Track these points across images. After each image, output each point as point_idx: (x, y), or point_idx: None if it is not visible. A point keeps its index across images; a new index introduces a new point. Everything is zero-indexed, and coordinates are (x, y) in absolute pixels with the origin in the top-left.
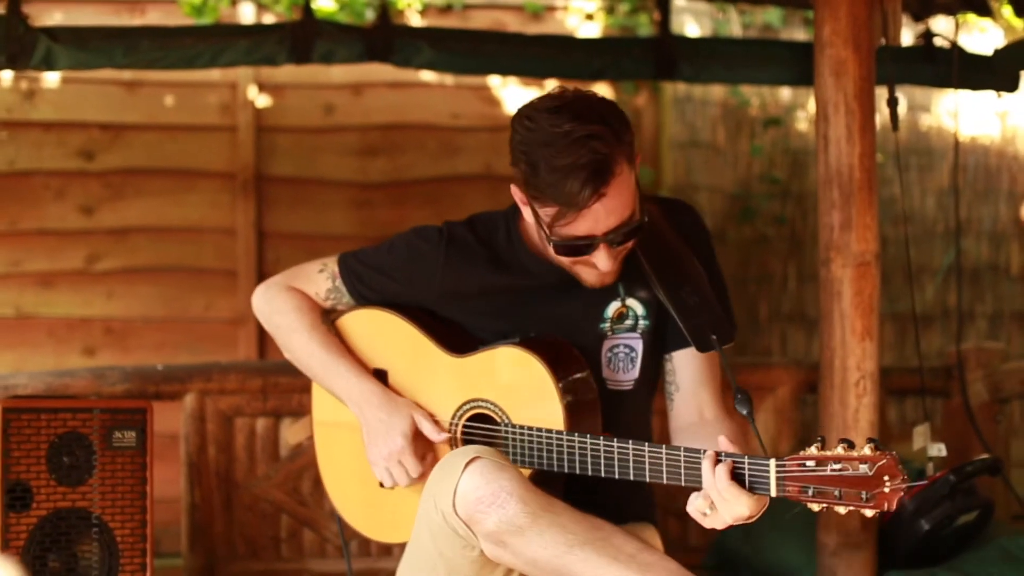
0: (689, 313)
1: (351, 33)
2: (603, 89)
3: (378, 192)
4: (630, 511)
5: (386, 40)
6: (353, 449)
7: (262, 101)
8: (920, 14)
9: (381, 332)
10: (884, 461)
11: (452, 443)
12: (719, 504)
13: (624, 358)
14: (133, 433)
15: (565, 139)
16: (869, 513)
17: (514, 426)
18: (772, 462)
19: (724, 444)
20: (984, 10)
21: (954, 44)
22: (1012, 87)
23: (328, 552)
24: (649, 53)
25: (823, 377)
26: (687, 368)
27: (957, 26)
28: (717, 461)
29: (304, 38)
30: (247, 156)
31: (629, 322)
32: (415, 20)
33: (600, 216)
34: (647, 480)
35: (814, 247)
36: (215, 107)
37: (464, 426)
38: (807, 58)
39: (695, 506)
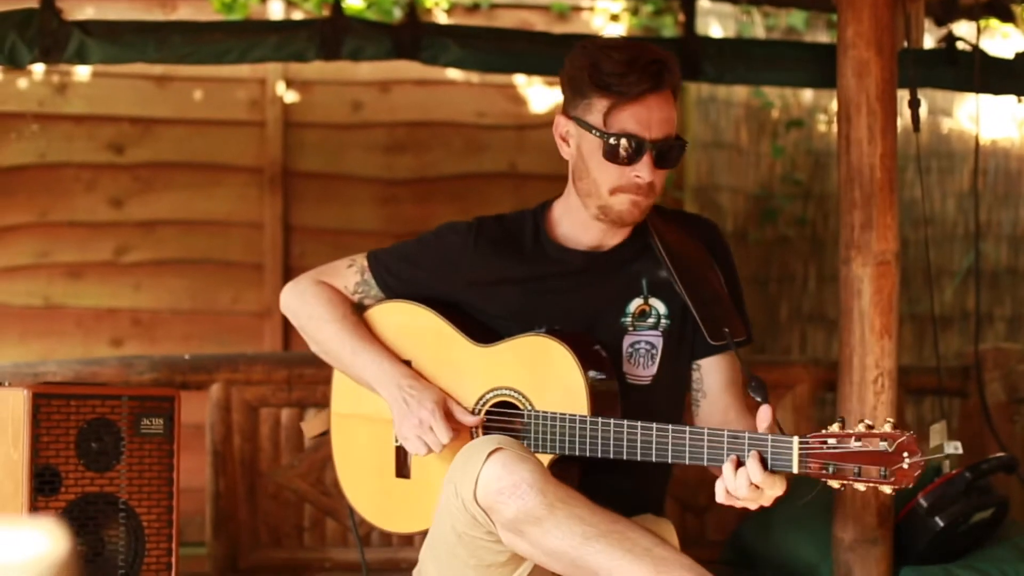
0: (705, 307)
1: (379, 30)
2: None
3: (404, 188)
4: (645, 503)
5: (414, 38)
6: (370, 440)
7: (290, 97)
8: (943, 18)
9: (407, 323)
10: (903, 438)
11: (473, 431)
12: (754, 492)
13: (645, 354)
14: (161, 420)
15: (627, 43)
16: (888, 490)
17: (537, 412)
18: (795, 439)
19: (760, 422)
20: (1006, 15)
21: (976, 48)
22: None
23: (350, 541)
24: (674, 53)
25: (841, 374)
26: (714, 374)
27: (979, 30)
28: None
29: (333, 35)
30: (275, 151)
31: (651, 320)
32: (442, 19)
33: (653, 115)
34: (669, 461)
35: (835, 248)
36: (244, 102)
37: (487, 413)
38: (830, 60)
39: (723, 495)
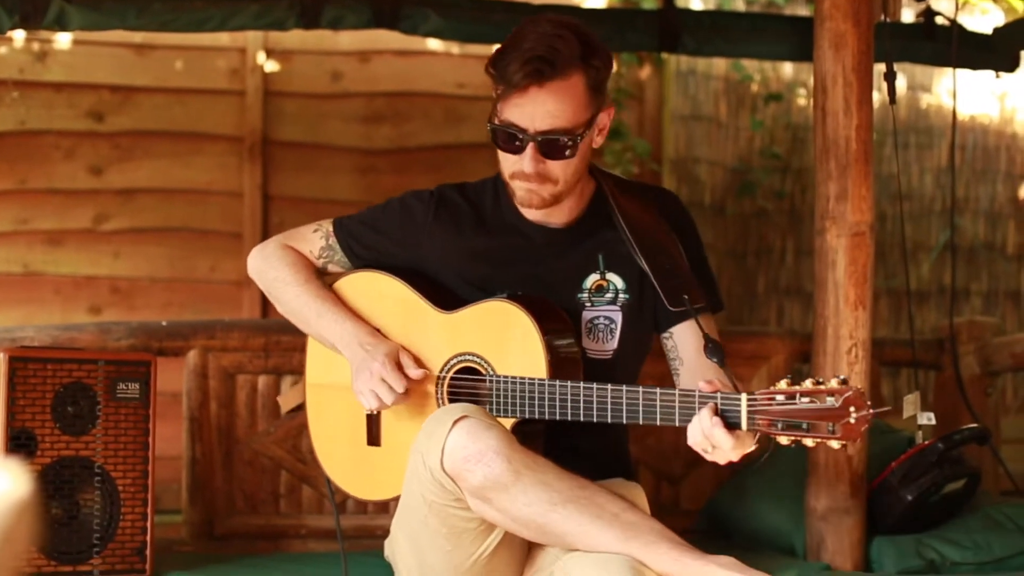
0: (663, 275)
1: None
2: None
3: (383, 159)
4: (611, 468)
5: (393, 7)
6: (343, 409)
7: (270, 66)
8: None
9: (372, 292)
10: (850, 393)
11: (439, 398)
12: (720, 447)
13: (604, 329)
14: (137, 385)
15: (534, 31)
16: (835, 445)
17: (498, 377)
18: (743, 396)
19: (702, 387)
20: None
21: (954, 22)
22: (1011, 67)
23: (326, 508)
24: (653, 25)
25: (816, 345)
26: (687, 342)
27: (958, 5)
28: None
29: (313, 4)
30: (255, 120)
31: (609, 295)
32: None
33: (536, 109)
34: (624, 421)
35: (812, 222)
36: (224, 71)
37: (451, 379)
38: (809, 33)
39: (695, 442)
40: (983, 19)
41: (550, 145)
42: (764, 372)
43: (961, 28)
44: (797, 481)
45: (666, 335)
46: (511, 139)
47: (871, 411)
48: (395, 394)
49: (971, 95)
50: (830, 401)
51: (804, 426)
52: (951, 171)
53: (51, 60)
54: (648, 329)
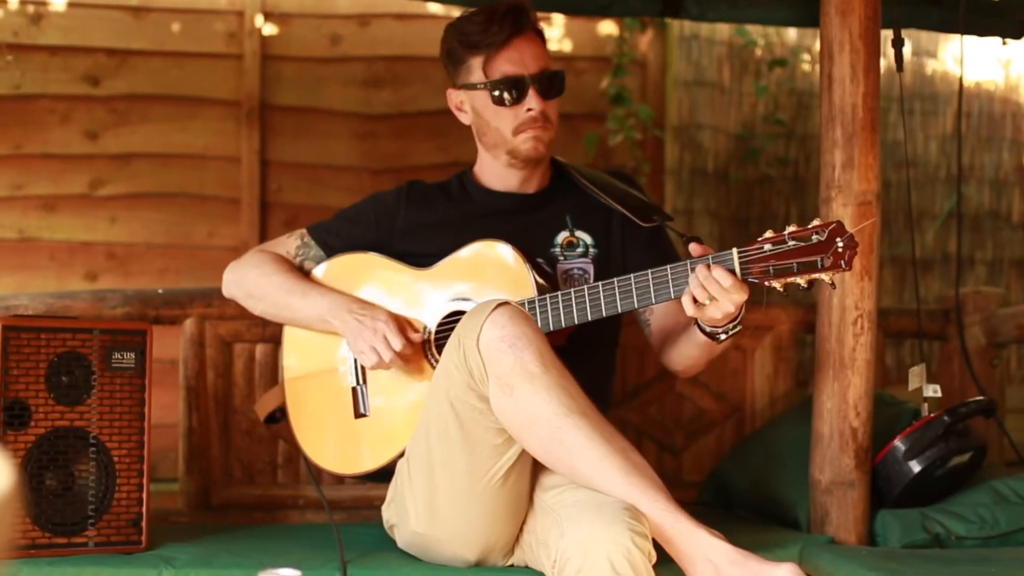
0: (632, 206)
1: None
2: (609, 26)
3: (382, 124)
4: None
5: None
6: (324, 392)
7: (268, 30)
8: None
9: (352, 270)
10: (834, 225)
11: (425, 344)
12: (717, 294)
13: (579, 279)
14: (132, 355)
15: (481, 6)
16: (826, 278)
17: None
18: (734, 250)
19: (694, 250)
20: None
21: None
22: (1018, 34)
23: (325, 478)
24: None
25: (820, 315)
26: None
27: None
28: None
29: None
30: (252, 84)
31: (580, 250)
32: None
33: (524, 55)
34: (619, 310)
35: (816, 189)
36: (221, 35)
37: (438, 324)
38: None
39: (692, 308)
40: None
41: (548, 81)
42: (768, 342)
43: None
44: (801, 453)
45: None
46: (512, 86)
47: (854, 231)
48: (393, 352)
49: (977, 62)
50: (815, 238)
51: (795, 267)
52: (957, 138)
53: (46, 23)
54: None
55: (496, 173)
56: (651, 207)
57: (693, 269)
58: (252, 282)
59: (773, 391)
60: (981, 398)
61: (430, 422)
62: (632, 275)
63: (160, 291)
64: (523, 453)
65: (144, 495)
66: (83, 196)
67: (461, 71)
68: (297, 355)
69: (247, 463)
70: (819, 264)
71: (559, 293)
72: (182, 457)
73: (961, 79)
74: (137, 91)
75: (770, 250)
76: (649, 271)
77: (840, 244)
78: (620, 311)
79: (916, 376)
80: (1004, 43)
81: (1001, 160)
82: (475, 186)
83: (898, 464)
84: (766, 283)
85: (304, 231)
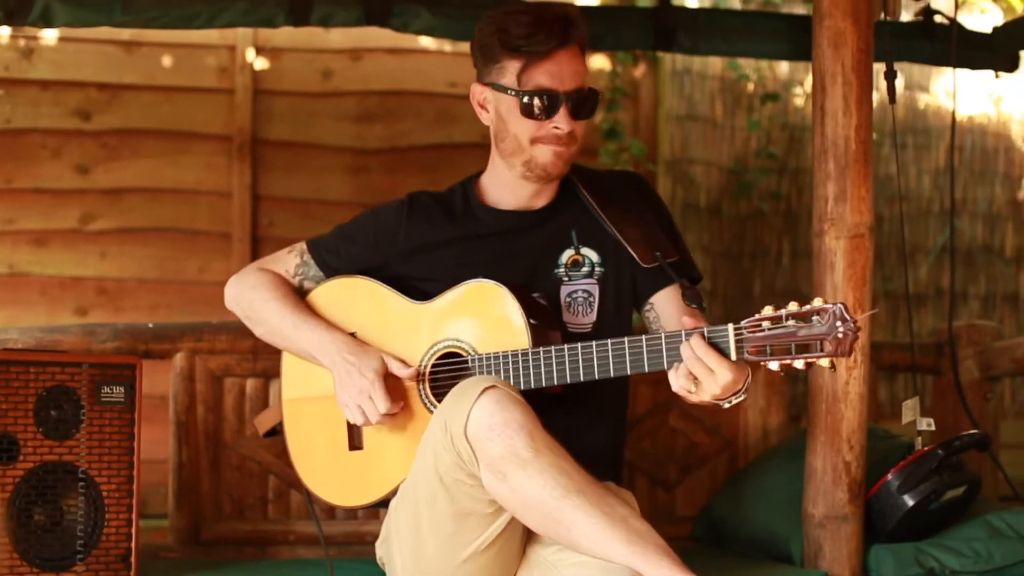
0: (634, 237)
1: None
2: (601, 60)
3: (374, 158)
4: (603, 471)
5: (385, 4)
6: (321, 419)
7: (260, 64)
8: None
9: (347, 296)
10: (834, 308)
11: (420, 381)
12: (703, 376)
13: (583, 302)
14: (122, 389)
15: (531, 6)
16: (826, 363)
17: (479, 355)
18: (730, 327)
19: (686, 323)
20: None
21: (953, 21)
22: (1011, 67)
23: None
24: (648, 22)
25: None
26: (668, 307)
27: (957, 4)
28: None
29: (303, 0)
30: (244, 119)
31: (585, 269)
32: None
33: (564, 69)
34: (612, 374)
35: (809, 223)
36: (213, 69)
37: (433, 365)
38: (806, 32)
39: (679, 384)
40: (982, 18)
41: (580, 103)
42: (761, 376)
43: (960, 27)
44: (794, 487)
45: (647, 307)
46: (545, 101)
47: (856, 319)
48: (379, 414)
49: (969, 96)
50: (816, 320)
51: (792, 348)
52: (950, 172)
53: (37, 57)
54: (628, 303)
55: (507, 184)
56: (655, 243)
57: (686, 339)
58: (248, 304)
59: (766, 425)
60: (975, 432)
61: (418, 485)
62: (626, 339)
63: (150, 325)
64: (514, 519)
65: (133, 530)
66: (74, 231)
67: (493, 69)
68: (297, 376)
69: (237, 498)
70: (819, 348)
71: (552, 348)
72: (172, 492)
73: (954, 113)
74: (128, 125)
75: (768, 328)
76: (643, 337)
77: (841, 329)
78: (612, 375)
79: (910, 410)
80: (997, 76)
81: (994, 194)
82: (479, 203)
83: (892, 498)
84: (763, 363)
85: (304, 247)
